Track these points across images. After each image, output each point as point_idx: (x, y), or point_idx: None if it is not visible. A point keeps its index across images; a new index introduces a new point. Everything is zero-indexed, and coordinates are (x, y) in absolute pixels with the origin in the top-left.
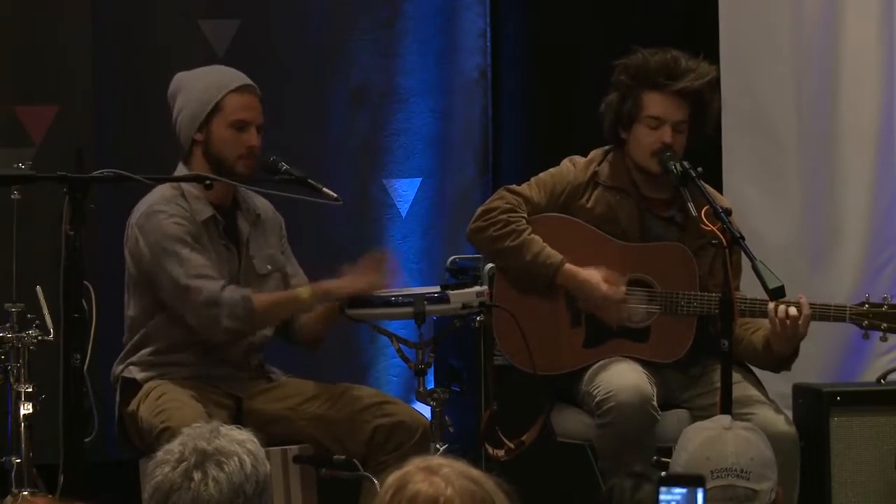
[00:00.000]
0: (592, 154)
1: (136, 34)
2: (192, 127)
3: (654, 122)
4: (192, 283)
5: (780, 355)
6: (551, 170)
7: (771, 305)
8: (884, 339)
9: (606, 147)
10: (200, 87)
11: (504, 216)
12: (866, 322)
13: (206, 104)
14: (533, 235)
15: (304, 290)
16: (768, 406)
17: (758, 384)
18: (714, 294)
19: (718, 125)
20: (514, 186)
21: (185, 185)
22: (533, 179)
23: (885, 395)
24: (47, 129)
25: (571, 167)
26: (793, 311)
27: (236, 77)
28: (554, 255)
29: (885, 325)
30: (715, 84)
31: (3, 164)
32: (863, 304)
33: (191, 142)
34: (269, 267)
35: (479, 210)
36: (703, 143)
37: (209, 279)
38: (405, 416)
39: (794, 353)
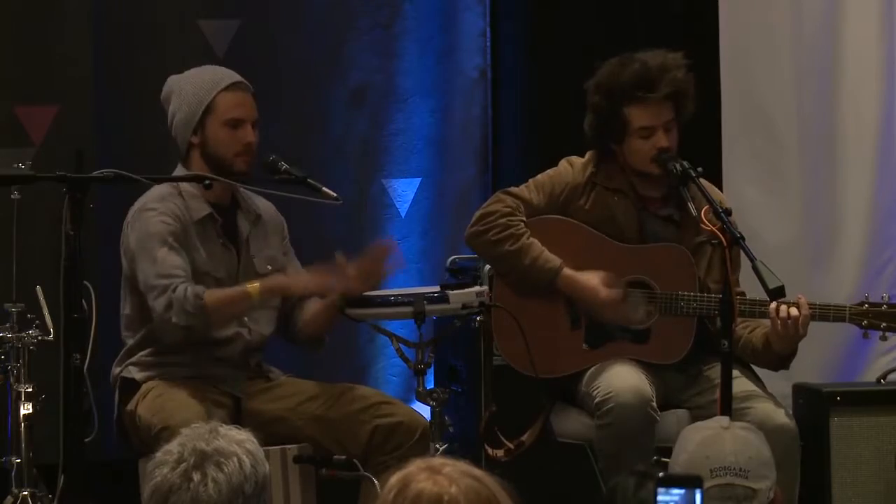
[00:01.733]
0: (589, 155)
1: (136, 34)
2: (187, 130)
3: (646, 132)
4: (156, 282)
5: (780, 354)
6: (549, 171)
7: (773, 305)
8: (883, 339)
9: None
10: (191, 89)
11: (503, 220)
12: (866, 322)
13: (199, 106)
14: (531, 239)
15: (253, 286)
16: (767, 400)
17: (756, 379)
18: (714, 295)
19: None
20: (511, 189)
21: (183, 184)
22: (531, 181)
23: (885, 395)
24: (47, 129)
25: (569, 168)
26: (794, 311)
27: (226, 75)
28: (552, 259)
29: (884, 324)
30: (687, 68)
31: (3, 164)
32: (862, 303)
33: (188, 144)
34: (269, 267)
35: (477, 214)
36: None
37: (172, 278)
38: (405, 416)
39: (793, 353)
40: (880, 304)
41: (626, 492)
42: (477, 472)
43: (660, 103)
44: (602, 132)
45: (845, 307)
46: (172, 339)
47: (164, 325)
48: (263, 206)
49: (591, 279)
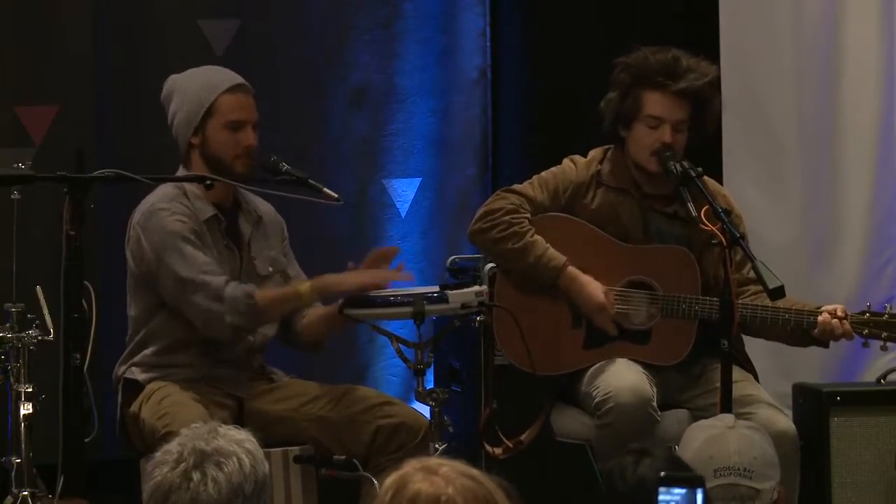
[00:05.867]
0: (592, 153)
1: (136, 34)
2: (187, 131)
3: (654, 122)
4: (196, 277)
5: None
6: (553, 169)
7: (835, 322)
8: (884, 349)
9: (606, 146)
10: (192, 89)
11: (507, 217)
12: (867, 331)
13: (200, 107)
14: (536, 237)
15: (304, 285)
16: (767, 406)
17: (757, 385)
18: (715, 298)
19: (719, 124)
20: (514, 186)
21: (186, 185)
22: (534, 178)
23: (885, 395)
24: (47, 129)
25: (573, 166)
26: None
27: (228, 77)
28: (557, 257)
29: (885, 334)
30: (715, 83)
31: (3, 164)
32: (864, 312)
33: (188, 145)
34: (270, 268)
35: (480, 211)
36: (703, 142)
37: (213, 275)
38: (407, 417)
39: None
40: (882, 314)
41: (625, 470)
42: (474, 471)
43: (676, 99)
44: (616, 111)
45: (846, 316)
46: (221, 336)
47: (212, 320)
48: (264, 207)
49: (593, 282)
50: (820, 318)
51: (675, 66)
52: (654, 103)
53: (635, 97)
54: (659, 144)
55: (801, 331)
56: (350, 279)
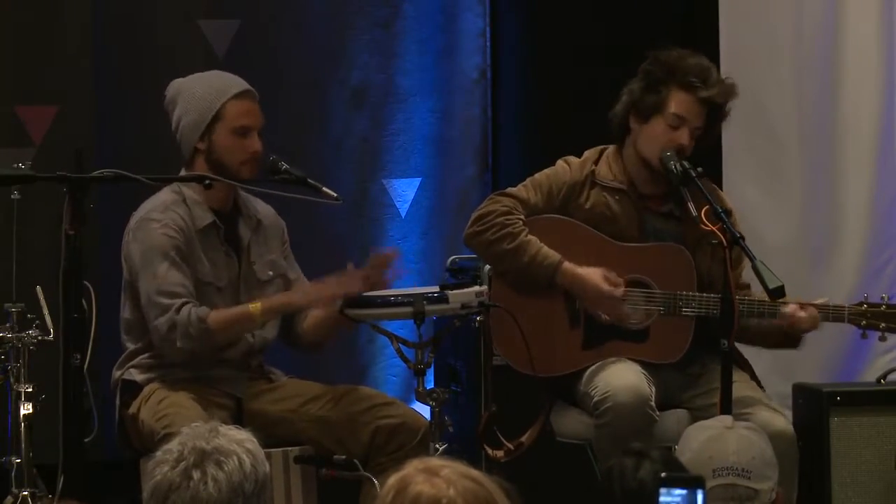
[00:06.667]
0: (587, 154)
1: (136, 34)
2: (194, 135)
3: (677, 122)
4: (157, 300)
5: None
6: (546, 170)
7: (801, 311)
8: (882, 339)
9: (601, 147)
10: (199, 94)
11: (500, 219)
12: (864, 322)
13: (207, 112)
14: (529, 237)
15: (255, 307)
16: (765, 406)
17: (756, 385)
18: (713, 295)
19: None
20: (507, 189)
21: (185, 191)
22: (528, 180)
23: (885, 395)
24: (47, 129)
25: (567, 167)
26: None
27: (235, 83)
28: (552, 254)
29: (883, 324)
30: (729, 103)
31: (3, 164)
32: (861, 303)
33: (193, 150)
34: (270, 273)
35: (474, 215)
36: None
37: (174, 297)
38: (406, 417)
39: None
40: (879, 305)
41: (625, 472)
42: (475, 473)
43: (701, 106)
44: (636, 101)
45: (844, 307)
46: (176, 359)
47: (167, 346)
48: (263, 210)
49: (592, 273)
50: (787, 308)
51: (709, 72)
52: (682, 103)
53: (664, 93)
54: (674, 145)
55: (782, 332)
56: (301, 296)
